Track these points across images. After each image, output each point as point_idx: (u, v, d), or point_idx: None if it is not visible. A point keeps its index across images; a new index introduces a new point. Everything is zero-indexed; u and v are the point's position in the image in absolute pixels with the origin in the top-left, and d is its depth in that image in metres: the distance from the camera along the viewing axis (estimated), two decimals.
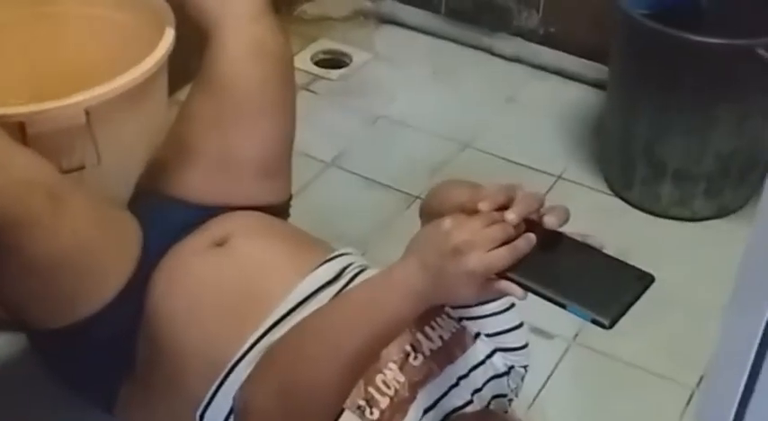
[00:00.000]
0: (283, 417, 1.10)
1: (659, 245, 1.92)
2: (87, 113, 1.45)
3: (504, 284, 1.02)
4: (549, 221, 1.03)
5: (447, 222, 1.04)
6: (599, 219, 1.88)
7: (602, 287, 1.00)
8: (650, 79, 1.89)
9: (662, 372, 1.68)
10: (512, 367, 1.39)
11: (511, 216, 1.02)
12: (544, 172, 2.11)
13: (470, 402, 1.32)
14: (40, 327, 1.41)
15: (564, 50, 2.39)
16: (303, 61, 2.43)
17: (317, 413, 1.11)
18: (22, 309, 1.40)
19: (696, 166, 1.92)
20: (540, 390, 1.66)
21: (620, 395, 1.66)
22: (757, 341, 0.72)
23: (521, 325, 1.41)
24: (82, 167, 1.48)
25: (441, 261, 1.02)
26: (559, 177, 2.11)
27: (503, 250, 1.01)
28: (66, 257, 1.32)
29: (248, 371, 1.21)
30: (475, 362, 1.35)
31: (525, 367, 1.43)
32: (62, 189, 1.32)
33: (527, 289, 1.01)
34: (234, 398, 1.17)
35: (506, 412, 1.38)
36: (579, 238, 1.04)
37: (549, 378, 1.69)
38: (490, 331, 1.38)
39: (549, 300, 1.00)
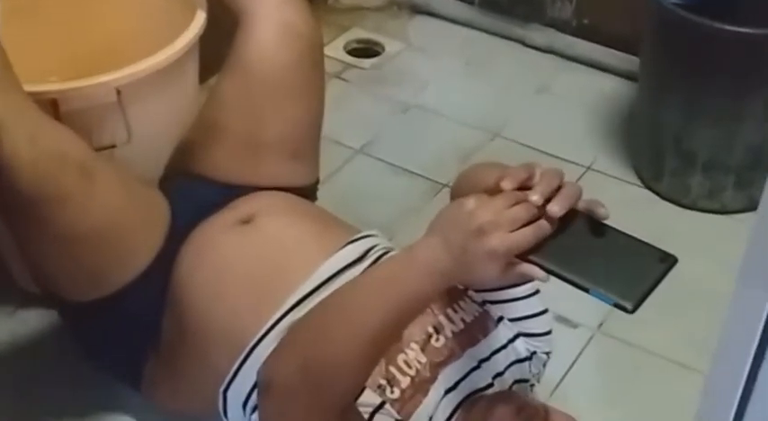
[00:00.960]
0: (306, 393, 1.11)
1: (688, 237, 1.91)
2: (118, 92, 1.47)
3: (527, 267, 1.02)
4: (553, 209, 1.01)
5: (470, 202, 1.04)
6: (627, 210, 1.85)
7: (625, 269, 0.99)
8: (680, 69, 1.88)
9: (684, 362, 1.67)
10: (534, 353, 1.40)
11: (534, 197, 1.02)
12: (573, 162, 2.10)
13: (491, 385, 1.33)
14: (70, 300, 1.43)
15: (596, 42, 2.38)
16: (336, 50, 2.44)
17: (339, 389, 1.12)
18: (53, 282, 1.43)
19: (726, 158, 1.91)
20: (562, 378, 1.66)
21: (642, 384, 1.66)
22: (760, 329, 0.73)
23: (545, 311, 1.42)
24: (113, 146, 1.50)
25: (463, 240, 1.02)
26: (589, 168, 2.11)
27: (525, 230, 1.01)
28: (96, 232, 1.35)
29: (271, 348, 1.22)
30: (497, 346, 1.36)
31: (548, 353, 1.43)
32: (94, 164, 1.35)
33: (549, 272, 1.01)
34: (257, 374, 1.18)
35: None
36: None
37: (572, 366, 1.69)
38: (513, 316, 1.39)
39: (571, 283, 0.99)
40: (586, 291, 0.98)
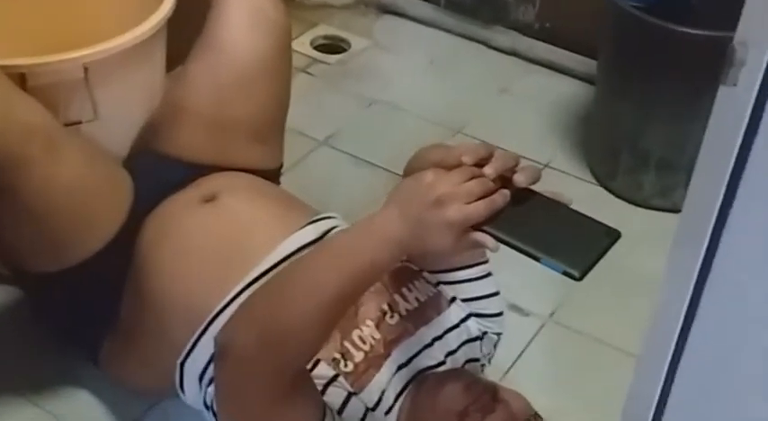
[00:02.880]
0: (262, 357, 1.13)
1: (639, 233, 1.95)
2: (86, 69, 1.49)
3: (480, 236, 1.06)
4: (519, 179, 1.07)
5: (429, 175, 1.08)
6: (582, 207, 1.90)
7: (573, 241, 1.05)
8: (636, 70, 1.94)
9: (631, 351, 1.72)
10: (485, 333, 1.44)
11: (488, 170, 1.07)
12: (531, 160, 2.15)
13: (443, 363, 1.37)
14: (32, 270, 1.46)
15: (558, 45, 2.44)
16: (302, 45, 2.48)
17: (293, 354, 1.15)
18: (16, 251, 1.45)
19: (678, 157, 1.96)
20: (513, 363, 1.70)
21: (590, 370, 1.70)
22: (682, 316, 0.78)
23: (496, 293, 1.46)
24: (79, 122, 1.53)
25: (421, 211, 1.06)
26: (546, 166, 2.16)
27: (480, 203, 1.05)
28: (58, 203, 1.38)
29: None
30: (449, 325, 1.40)
31: (499, 334, 1.47)
32: (59, 136, 1.38)
33: (501, 241, 1.05)
34: (214, 340, 1.20)
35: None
36: (550, 195, 1.09)
37: (522, 352, 1.73)
38: (466, 296, 1.43)
39: (523, 252, 1.04)
40: (537, 259, 1.03)
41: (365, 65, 2.47)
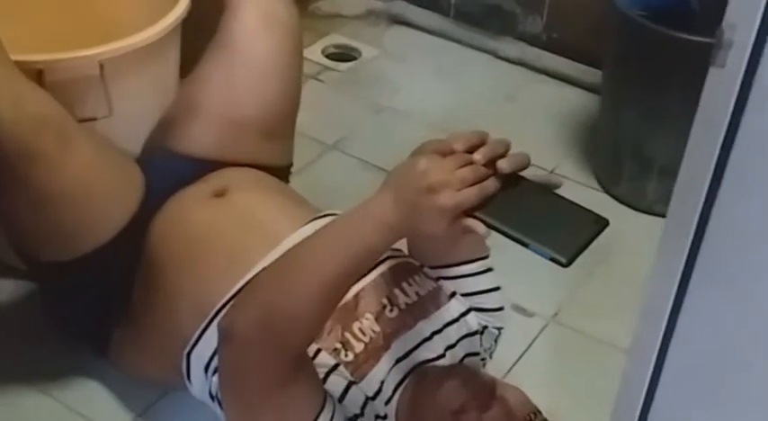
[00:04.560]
0: (264, 339, 1.16)
1: (641, 239, 1.98)
2: (101, 66, 1.53)
3: (470, 222, 1.09)
4: (502, 165, 1.10)
5: (423, 161, 1.11)
6: None
7: (561, 228, 1.07)
8: (639, 76, 1.97)
9: None
10: (485, 327, 1.46)
11: (477, 157, 1.10)
12: (537, 167, 2.17)
13: (442, 356, 1.39)
14: (44, 260, 1.49)
15: (565, 56, 2.48)
16: (314, 53, 2.52)
17: (294, 337, 1.18)
18: (29, 240, 1.49)
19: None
20: (515, 363, 1.72)
21: (592, 371, 1.72)
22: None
23: (497, 288, 1.48)
24: (93, 118, 1.57)
25: (415, 196, 1.09)
26: (551, 172, 2.19)
27: (471, 189, 1.08)
28: (71, 192, 1.41)
29: None
30: (449, 319, 1.43)
31: (499, 329, 1.49)
32: (72, 129, 1.42)
33: (491, 227, 1.08)
34: (218, 325, 1.23)
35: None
36: (542, 180, 1.12)
37: (524, 352, 1.75)
38: (466, 291, 1.46)
39: (512, 238, 1.06)
40: (525, 245, 1.06)
41: (375, 73, 2.51)
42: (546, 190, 1.11)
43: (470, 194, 1.08)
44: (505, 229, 1.07)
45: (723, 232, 0.76)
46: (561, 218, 1.09)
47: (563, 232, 1.06)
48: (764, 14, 0.68)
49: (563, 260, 1.04)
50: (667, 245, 0.80)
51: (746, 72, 0.69)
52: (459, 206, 1.08)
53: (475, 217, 1.08)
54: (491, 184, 1.09)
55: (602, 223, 1.08)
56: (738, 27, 0.69)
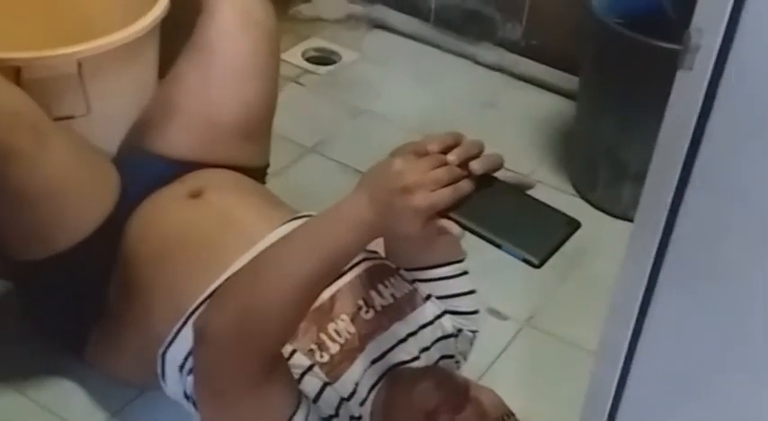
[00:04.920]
0: (238, 339, 1.16)
1: (614, 244, 1.99)
2: (79, 64, 1.54)
3: (445, 222, 1.09)
4: (473, 166, 1.10)
5: (398, 162, 1.11)
6: None
7: (534, 230, 1.08)
8: (615, 83, 1.99)
9: None
10: (460, 330, 1.47)
11: (451, 157, 1.11)
12: (513, 171, 2.19)
13: (417, 358, 1.40)
14: (20, 258, 1.49)
15: (543, 62, 2.50)
16: (293, 56, 2.53)
17: (269, 337, 1.18)
18: (2, 239, 1.48)
19: None
20: (489, 366, 1.73)
21: (565, 374, 1.73)
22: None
23: (472, 291, 1.49)
24: (71, 116, 1.57)
25: (389, 197, 1.09)
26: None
27: (446, 190, 1.08)
28: (45, 190, 1.42)
29: None
30: (424, 322, 1.43)
31: (474, 332, 1.50)
32: (47, 127, 1.42)
33: (466, 228, 1.09)
34: (193, 325, 1.23)
35: None
36: (514, 181, 1.13)
37: (499, 355, 1.76)
38: (441, 294, 1.46)
39: (485, 238, 1.07)
40: (499, 246, 1.06)
41: (354, 77, 2.52)
42: (519, 191, 1.12)
43: (444, 195, 1.08)
44: (479, 230, 1.07)
45: (690, 234, 0.77)
46: (534, 219, 1.10)
47: (536, 234, 1.07)
48: (731, 19, 0.69)
49: (535, 261, 1.05)
50: (635, 247, 0.81)
51: (713, 75, 0.71)
52: (434, 207, 1.08)
53: (449, 217, 1.09)
54: (465, 185, 1.10)
55: (574, 225, 1.09)
56: (705, 31, 0.71)
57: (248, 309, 1.16)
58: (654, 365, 0.87)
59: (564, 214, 1.10)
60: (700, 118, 0.73)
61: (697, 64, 0.72)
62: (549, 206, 1.11)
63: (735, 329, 0.80)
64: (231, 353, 1.17)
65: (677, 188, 0.77)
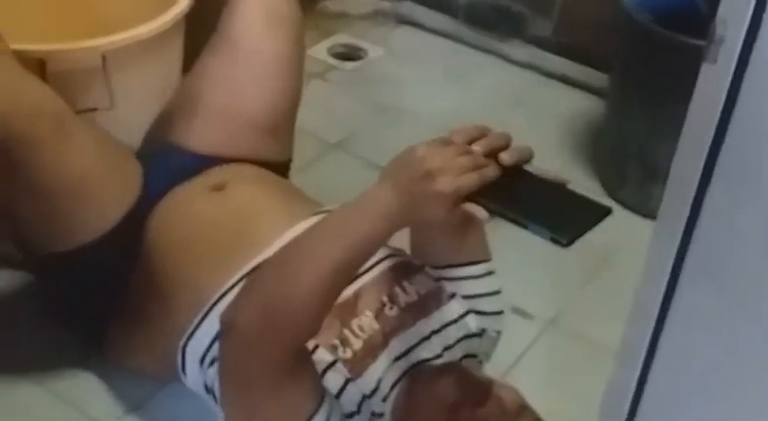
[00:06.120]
0: (265, 332, 1.15)
1: (643, 245, 1.97)
2: (104, 58, 1.54)
3: (470, 206, 1.07)
4: (503, 157, 1.09)
5: (421, 149, 1.10)
6: None
7: (563, 213, 1.06)
8: (646, 81, 1.96)
9: None
10: (484, 330, 1.45)
11: (477, 147, 1.09)
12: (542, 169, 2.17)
13: (440, 356, 1.38)
14: (43, 250, 1.49)
15: (574, 60, 2.47)
16: (320, 52, 2.52)
17: (296, 329, 1.17)
18: (25, 231, 1.48)
19: None
20: (512, 365, 1.71)
21: (588, 374, 1.69)
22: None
23: (498, 292, 1.47)
24: (94, 109, 1.57)
25: (413, 183, 1.08)
26: None
27: (471, 174, 1.07)
28: (68, 182, 1.41)
29: None
30: (448, 320, 1.42)
31: (498, 332, 1.49)
32: (70, 119, 1.42)
33: (491, 211, 1.07)
34: (220, 318, 1.22)
35: None
36: (546, 175, 1.11)
37: (522, 355, 1.74)
38: (466, 293, 1.45)
39: (512, 220, 1.05)
40: (525, 226, 1.04)
41: (381, 73, 2.50)
42: (548, 181, 1.10)
43: (470, 179, 1.07)
44: (505, 212, 1.05)
45: (712, 230, 0.75)
46: (563, 204, 1.08)
47: (565, 216, 1.05)
48: (756, 10, 0.67)
49: (563, 240, 1.02)
50: (658, 241, 0.79)
51: (737, 68, 0.69)
52: (459, 191, 1.07)
53: (475, 202, 1.07)
54: (491, 171, 1.08)
55: (604, 210, 1.07)
56: (730, 23, 0.69)
57: (276, 301, 1.15)
58: (674, 365, 0.85)
59: (593, 200, 1.09)
60: (723, 112, 0.71)
61: (721, 56, 0.70)
62: (578, 193, 1.09)
63: (757, 329, 0.78)
64: (258, 346, 1.16)
65: (700, 184, 0.75)
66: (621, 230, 2.03)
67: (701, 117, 0.72)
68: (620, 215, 2.13)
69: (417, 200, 1.08)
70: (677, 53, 1.86)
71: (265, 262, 1.25)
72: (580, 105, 2.41)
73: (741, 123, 0.69)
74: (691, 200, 0.75)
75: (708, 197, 0.74)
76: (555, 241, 1.02)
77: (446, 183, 1.06)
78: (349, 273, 1.17)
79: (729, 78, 0.69)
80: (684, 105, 1.96)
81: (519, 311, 1.82)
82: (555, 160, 2.22)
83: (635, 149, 2.04)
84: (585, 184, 2.16)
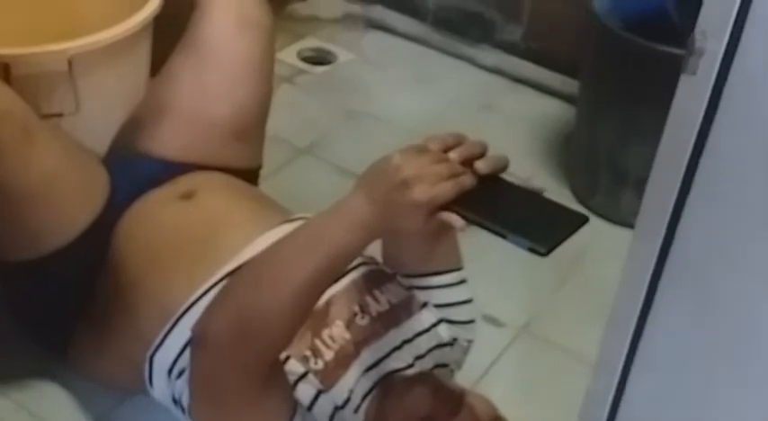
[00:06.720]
0: (237, 344, 1.13)
1: (615, 252, 1.97)
2: (70, 62, 1.51)
3: (447, 215, 1.06)
4: (479, 166, 1.08)
5: (397, 157, 1.08)
6: None
7: (540, 222, 1.05)
8: (616, 87, 1.96)
9: None
10: (455, 339, 1.44)
11: (453, 155, 1.08)
12: (511, 175, 2.17)
13: (411, 366, 1.37)
14: (5, 258, 1.46)
15: (543, 65, 2.47)
16: (289, 55, 2.50)
17: (268, 341, 1.15)
18: None
19: None
20: (484, 373, 1.70)
21: (560, 382, 1.70)
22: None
23: (469, 300, 1.47)
24: (60, 114, 1.54)
25: (388, 192, 1.06)
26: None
27: (447, 183, 1.05)
28: (33, 189, 1.39)
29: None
30: (420, 329, 1.41)
31: (470, 341, 1.48)
32: (35, 125, 1.39)
33: (468, 220, 1.05)
34: (192, 330, 1.20)
35: None
36: (521, 183, 1.10)
37: (494, 362, 1.74)
38: (438, 302, 1.44)
39: (490, 230, 1.04)
40: (503, 236, 1.03)
41: (350, 77, 2.49)
42: (524, 189, 1.09)
43: (446, 188, 1.05)
44: (483, 222, 1.04)
45: (691, 244, 0.75)
46: (540, 213, 1.07)
47: (542, 225, 1.04)
48: (736, 22, 0.66)
49: (542, 250, 1.01)
50: (635, 252, 0.79)
51: (717, 80, 0.68)
52: (435, 200, 1.05)
53: (451, 211, 1.06)
54: (467, 179, 1.07)
55: (581, 219, 1.07)
56: (710, 34, 0.68)
57: (248, 313, 1.13)
58: (652, 377, 0.84)
59: (570, 209, 1.08)
60: (703, 124, 0.70)
61: (701, 68, 0.69)
62: (555, 202, 1.09)
63: (735, 342, 0.77)
64: (229, 358, 1.14)
65: (678, 196, 0.74)
66: (592, 237, 2.02)
67: (680, 129, 0.71)
68: (590, 221, 2.12)
69: (393, 209, 1.07)
70: (648, 60, 1.86)
71: (239, 272, 1.23)
72: (550, 111, 2.41)
73: (721, 135, 0.69)
74: (669, 213, 0.74)
75: (686, 210, 0.73)
76: (533, 251, 1.01)
77: (422, 192, 1.05)
78: (324, 283, 1.16)
79: (709, 90, 0.68)
80: (655, 112, 1.96)
81: (490, 319, 1.81)
82: (524, 166, 2.21)
83: (605, 156, 2.04)
84: (555, 191, 2.16)
